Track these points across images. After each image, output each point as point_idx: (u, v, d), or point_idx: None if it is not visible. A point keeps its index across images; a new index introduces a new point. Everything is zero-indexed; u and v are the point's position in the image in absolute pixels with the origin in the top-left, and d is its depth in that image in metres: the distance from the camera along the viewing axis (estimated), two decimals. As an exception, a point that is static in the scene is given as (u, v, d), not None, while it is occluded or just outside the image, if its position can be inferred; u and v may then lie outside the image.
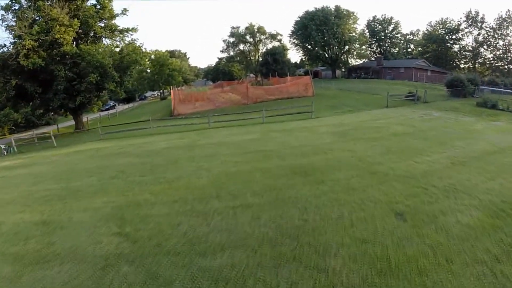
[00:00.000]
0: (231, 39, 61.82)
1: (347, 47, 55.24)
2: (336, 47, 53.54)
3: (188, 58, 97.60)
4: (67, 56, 22.27)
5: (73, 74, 22.85)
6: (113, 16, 25.57)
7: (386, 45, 71.06)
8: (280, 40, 62.21)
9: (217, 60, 77.41)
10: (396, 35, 71.51)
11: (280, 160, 9.69)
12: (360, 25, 62.44)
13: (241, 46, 62.20)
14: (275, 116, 19.42)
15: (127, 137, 18.46)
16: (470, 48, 55.02)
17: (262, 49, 64.14)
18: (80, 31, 24.02)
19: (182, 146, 13.23)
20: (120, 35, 26.73)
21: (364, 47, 61.53)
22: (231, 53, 63.68)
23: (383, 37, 70.85)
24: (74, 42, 23.63)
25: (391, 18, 70.97)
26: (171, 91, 32.34)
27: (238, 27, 61.98)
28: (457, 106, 22.86)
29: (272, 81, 44.90)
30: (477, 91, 30.40)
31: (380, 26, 71.13)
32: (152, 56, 60.64)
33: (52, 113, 28.45)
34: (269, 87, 31.95)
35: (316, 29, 51.98)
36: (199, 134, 16.21)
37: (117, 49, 26.40)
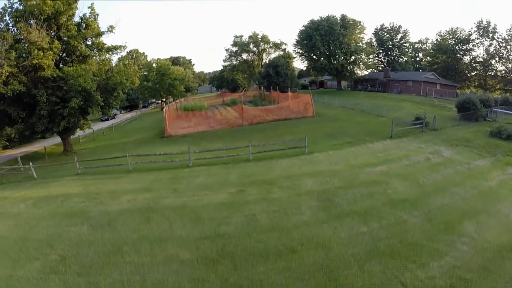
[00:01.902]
0: (234, 48, 60.46)
1: (353, 57, 53.17)
2: (342, 58, 51.52)
3: (193, 64, 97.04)
4: (49, 80, 20.98)
5: (56, 98, 21.61)
6: (99, 34, 24.15)
7: (394, 54, 68.57)
8: (284, 50, 60.59)
9: (222, 67, 76.17)
10: (405, 44, 68.97)
11: (228, 270, 7.44)
12: (367, 35, 60.14)
13: (244, 56, 60.78)
14: (263, 152, 17.61)
15: (102, 174, 17.01)
16: (481, 60, 52.25)
17: (265, 58, 62.61)
18: (63, 53, 22.74)
19: (140, 208, 11.43)
20: (109, 52, 25.38)
21: (371, 57, 59.20)
22: (234, 63, 62.22)
23: (390, 46, 68.44)
24: (57, 64, 22.36)
25: (399, 26, 68.68)
26: (164, 109, 30.87)
27: (241, 36, 60.68)
28: (469, 137, 20.77)
29: (273, 95, 43.23)
30: (489, 113, 28.18)
31: (388, 35, 68.78)
32: (154, 65, 59.83)
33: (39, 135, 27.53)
34: (266, 108, 30.25)
35: (321, 40, 50.16)
36: (172, 181, 14.41)
37: (106, 67, 25.01)
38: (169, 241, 8.97)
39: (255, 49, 60.49)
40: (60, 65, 22.50)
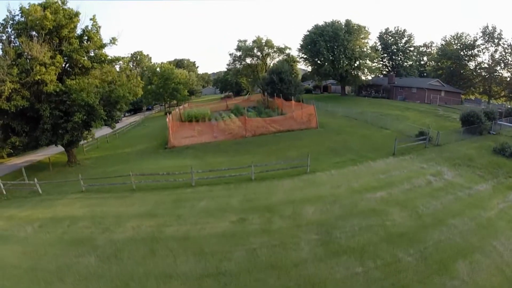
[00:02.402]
0: (238, 53, 60.51)
1: (357, 63, 52.92)
2: (346, 64, 51.25)
3: (197, 67, 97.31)
4: (52, 94, 21.09)
5: (59, 112, 21.74)
6: (102, 46, 24.21)
7: (399, 58, 68.19)
8: (288, 54, 60.47)
9: (226, 69, 76.24)
10: (409, 48, 68.52)
11: None
12: (372, 40, 59.73)
13: (248, 60, 60.77)
14: (265, 172, 17.77)
15: (107, 192, 17.31)
16: (486, 66, 51.75)
17: (270, 62, 62.56)
18: (65, 65, 22.80)
19: (144, 238, 11.62)
20: (111, 64, 25.40)
21: (375, 61, 58.84)
22: (238, 67, 62.31)
23: (395, 51, 68.03)
24: (60, 77, 22.44)
25: (404, 30, 68.20)
26: (168, 118, 31.09)
27: (245, 41, 60.67)
28: (472, 155, 20.75)
29: (277, 102, 43.27)
30: (494, 126, 28.06)
31: (392, 39, 68.36)
32: (158, 69, 60.10)
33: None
34: (269, 119, 30.35)
35: (326, 45, 49.98)
36: (175, 205, 14.61)
37: (109, 78, 25.05)
38: (174, 277, 9.21)
39: (259, 53, 60.48)
40: (63, 77, 22.50)
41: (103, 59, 24.48)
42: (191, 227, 12.36)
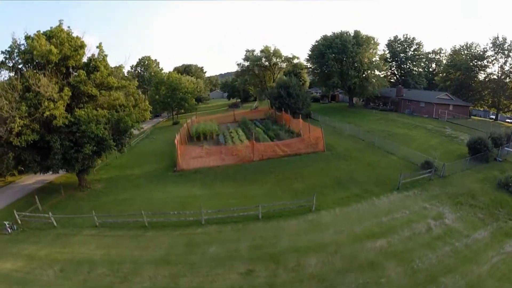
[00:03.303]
0: (246, 63, 61.06)
1: (365, 73, 52.80)
2: (354, 75, 51.06)
3: (205, 72, 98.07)
4: (61, 126, 21.34)
5: (69, 142, 22.21)
6: (109, 74, 24.36)
7: (407, 67, 67.86)
8: (295, 65, 60.76)
9: (233, 77, 76.95)
10: (418, 56, 68.08)
11: None
12: (380, 48, 59.16)
13: (256, 70, 61.24)
14: (272, 211, 18.52)
15: (120, 229, 18.24)
16: (495, 77, 51.15)
17: (277, 72, 62.93)
18: (72, 94, 22.67)
19: None
20: (118, 90, 25.58)
21: (383, 71, 58.64)
22: (246, 77, 62.86)
23: (404, 59, 67.67)
24: (69, 106, 22.76)
25: (413, 38, 67.76)
26: (176, 140, 31.89)
27: (253, 50, 61.14)
28: (476, 191, 21.08)
29: (285, 117, 43.80)
30: (501, 151, 28.16)
31: (401, 47, 67.97)
32: (165, 79, 60.89)
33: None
34: (276, 143, 30.92)
35: (334, 58, 50.02)
36: (187, 249, 15.47)
37: (117, 103, 25.19)
38: None
39: (267, 63, 60.90)
40: (72, 104, 22.86)
41: (110, 86, 24.62)
42: (204, 278, 13.24)
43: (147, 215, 18.26)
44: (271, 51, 59.98)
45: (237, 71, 64.99)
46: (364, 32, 54.22)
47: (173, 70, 78.34)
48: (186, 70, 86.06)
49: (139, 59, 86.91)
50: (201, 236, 16.85)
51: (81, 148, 22.40)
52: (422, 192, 20.98)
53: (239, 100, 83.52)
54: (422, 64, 72.32)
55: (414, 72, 68.31)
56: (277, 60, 60.51)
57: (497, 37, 50.80)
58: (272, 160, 28.67)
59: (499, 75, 50.71)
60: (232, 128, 44.85)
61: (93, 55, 24.62)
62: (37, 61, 21.54)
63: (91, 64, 24.03)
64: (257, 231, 16.97)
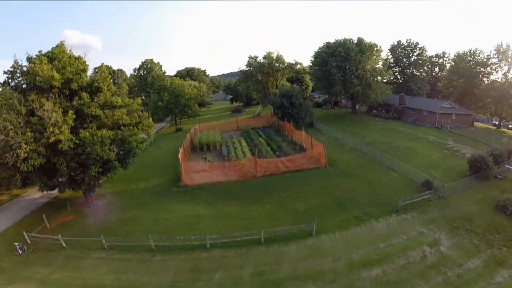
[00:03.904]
0: (248, 69, 61.46)
1: (368, 81, 53.01)
2: (357, 83, 51.26)
3: (208, 75, 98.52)
4: (67, 149, 21.62)
5: (75, 163, 22.63)
6: (113, 94, 25.00)
7: (410, 72, 68.00)
8: (298, 71, 61.08)
9: (237, 70, 77.31)
10: (420, 60, 68.13)
11: None
12: (383, 54, 59.28)
13: (259, 77, 61.62)
14: (274, 235, 19.21)
15: (128, 252, 18.96)
16: (498, 85, 51.13)
17: (280, 78, 63.28)
18: (76, 116, 22.85)
19: None
20: (121, 108, 26.02)
21: (386, 77, 58.79)
22: (249, 83, 63.30)
23: (407, 64, 67.78)
24: (73, 127, 22.95)
25: (417, 43, 67.74)
26: (179, 154, 32.58)
27: (256, 57, 61.47)
28: (473, 215, 21.33)
29: (287, 127, 44.33)
30: (501, 169, 28.45)
31: (404, 52, 68.03)
32: (168, 85, 61.47)
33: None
34: (277, 160, 31.46)
35: (337, 66, 50.26)
36: (193, 276, 16.20)
37: (121, 122, 25.62)
38: None
39: (269, 69, 61.23)
40: (76, 124, 23.04)
41: (114, 105, 25.09)
42: None
43: (153, 239, 18.99)
44: (274, 57, 60.27)
45: (240, 73, 65.43)
46: (367, 39, 54.50)
47: (176, 74, 78.92)
48: (188, 73, 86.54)
49: (141, 62, 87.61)
50: (206, 261, 17.56)
51: (87, 169, 22.85)
52: (420, 215, 21.43)
53: (241, 104, 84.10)
54: (425, 68, 72.38)
55: (417, 77, 68.42)
56: (280, 66, 60.80)
57: (501, 44, 50.74)
58: (274, 177, 29.22)
59: (503, 82, 50.71)
60: (235, 137, 45.49)
61: (96, 75, 24.90)
62: (39, 85, 21.60)
63: (93, 85, 24.24)
64: (259, 256, 17.65)
